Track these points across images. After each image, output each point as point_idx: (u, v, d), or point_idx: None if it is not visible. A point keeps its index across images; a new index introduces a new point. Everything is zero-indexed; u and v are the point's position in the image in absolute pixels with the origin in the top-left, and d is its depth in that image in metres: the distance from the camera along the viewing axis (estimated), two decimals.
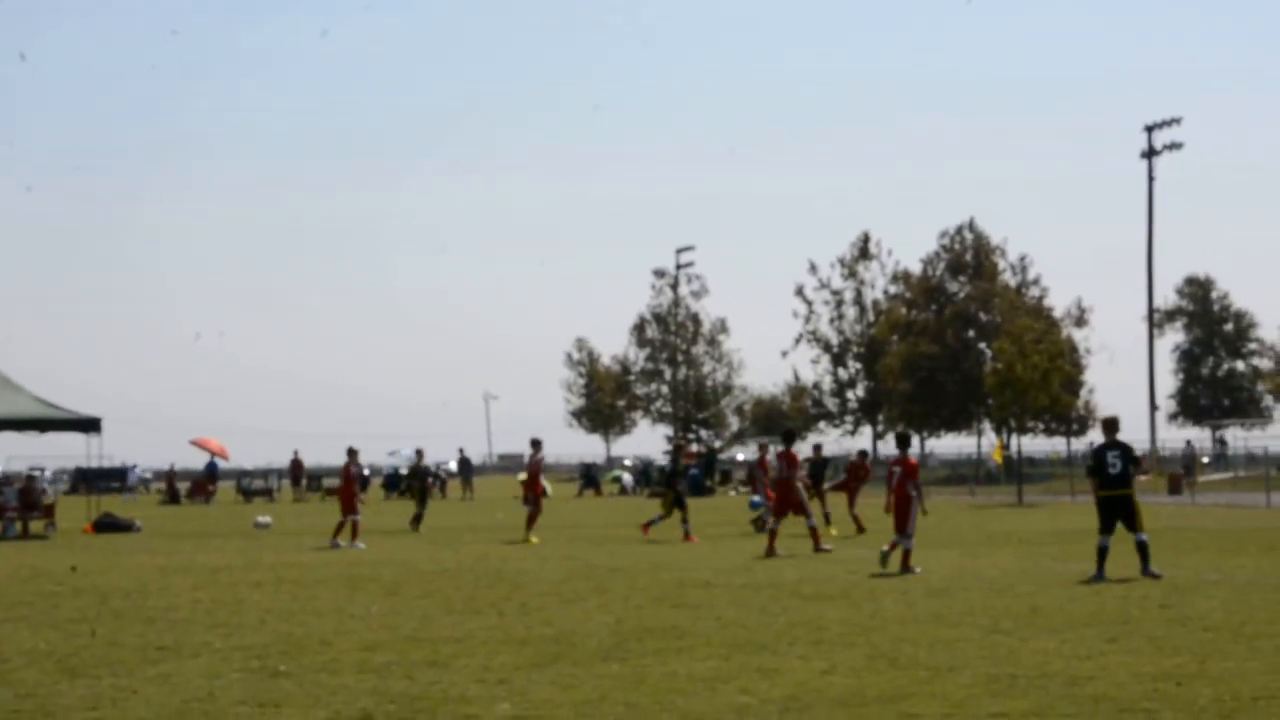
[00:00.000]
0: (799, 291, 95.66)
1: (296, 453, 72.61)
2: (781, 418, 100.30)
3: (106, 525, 37.76)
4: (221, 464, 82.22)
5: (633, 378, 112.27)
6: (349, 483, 29.81)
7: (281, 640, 13.34)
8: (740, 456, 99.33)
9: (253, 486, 73.66)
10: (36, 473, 63.01)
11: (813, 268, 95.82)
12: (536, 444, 30.16)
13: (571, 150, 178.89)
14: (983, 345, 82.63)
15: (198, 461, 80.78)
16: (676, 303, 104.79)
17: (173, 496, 70.06)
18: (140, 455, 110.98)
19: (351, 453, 30.33)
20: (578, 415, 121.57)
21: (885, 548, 20.52)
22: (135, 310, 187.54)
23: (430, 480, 71.50)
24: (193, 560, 25.21)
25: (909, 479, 20.92)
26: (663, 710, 9.52)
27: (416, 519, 34.70)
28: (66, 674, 11.37)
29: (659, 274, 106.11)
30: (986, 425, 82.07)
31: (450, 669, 11.41)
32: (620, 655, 12.09)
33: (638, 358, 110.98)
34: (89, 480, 67.28)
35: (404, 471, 75.45)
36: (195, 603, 17.17)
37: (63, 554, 27.58)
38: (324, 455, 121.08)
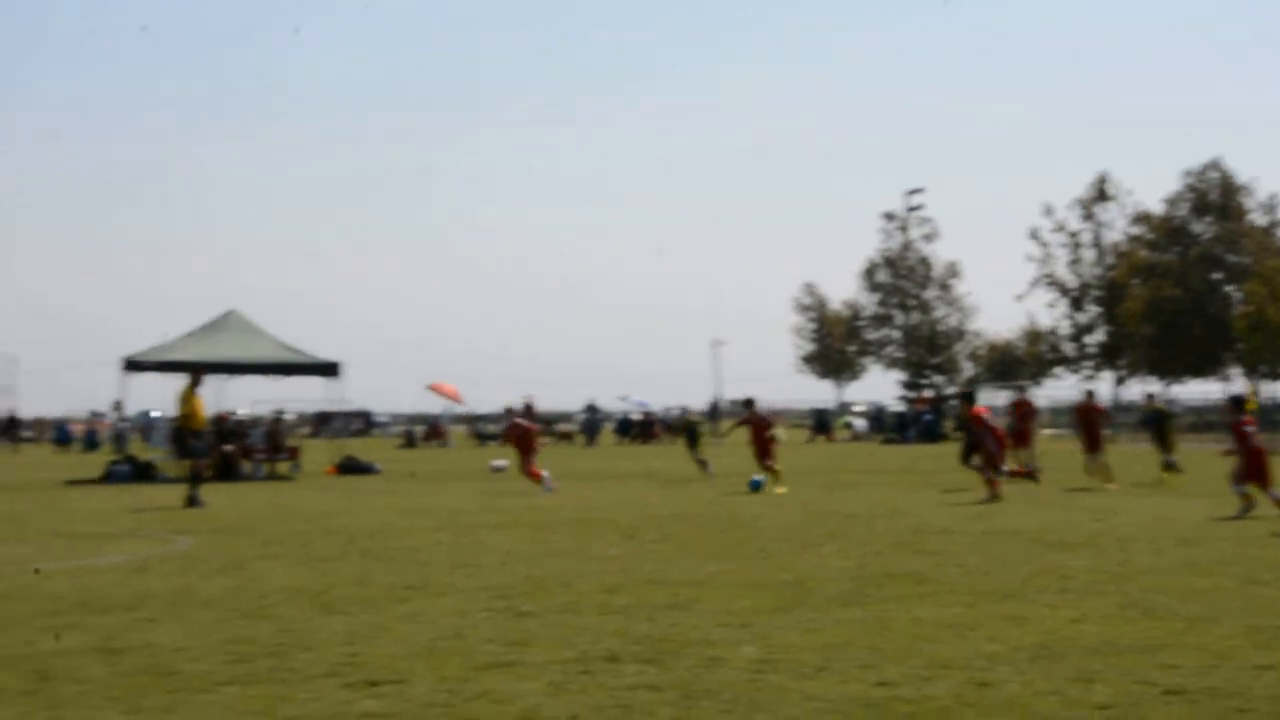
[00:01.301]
0: (1034, 234, 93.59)
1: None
2: (1016, 363, 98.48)
3: (348, 468, 38.88)
4: (457, 409, 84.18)
5: (863, 323, 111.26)
6: (527, 432, 30.21)
7: (524, 581, 13.50)
8: None
9: (487, 431, 75.18)
10: (283, 415, 65.25)
11: (1048, 210, 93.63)
12: (749, 403, 30.32)
13: (800, 91, 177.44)
14: (1230, 288, 79.80)
15: (434, 406, 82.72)
16: (907, 246, 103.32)
17: (410, 440, 71.76)
18: (376, 400, 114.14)
19: (527, 406, 31.06)
20: (808, 360, 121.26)
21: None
22: (371, 256, 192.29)
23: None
24: (432, 503, 25.77)
25: None
26: (909, 656, 9.35)
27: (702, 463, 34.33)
28: (322, 610, 11.68)
29: (889, 217, 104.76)
30: (1235, 370, 79.34)
31: (692, 612, 11.41)
32: (862, 601, 11.94)
33: (868, 303, 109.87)
34: (329, 423, 69.42)
35: (636, 418, 76.30)
36: (438, 544, 17.52)
37: (309, 495, 28.47)
38: (558, 401, 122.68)
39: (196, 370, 27.57)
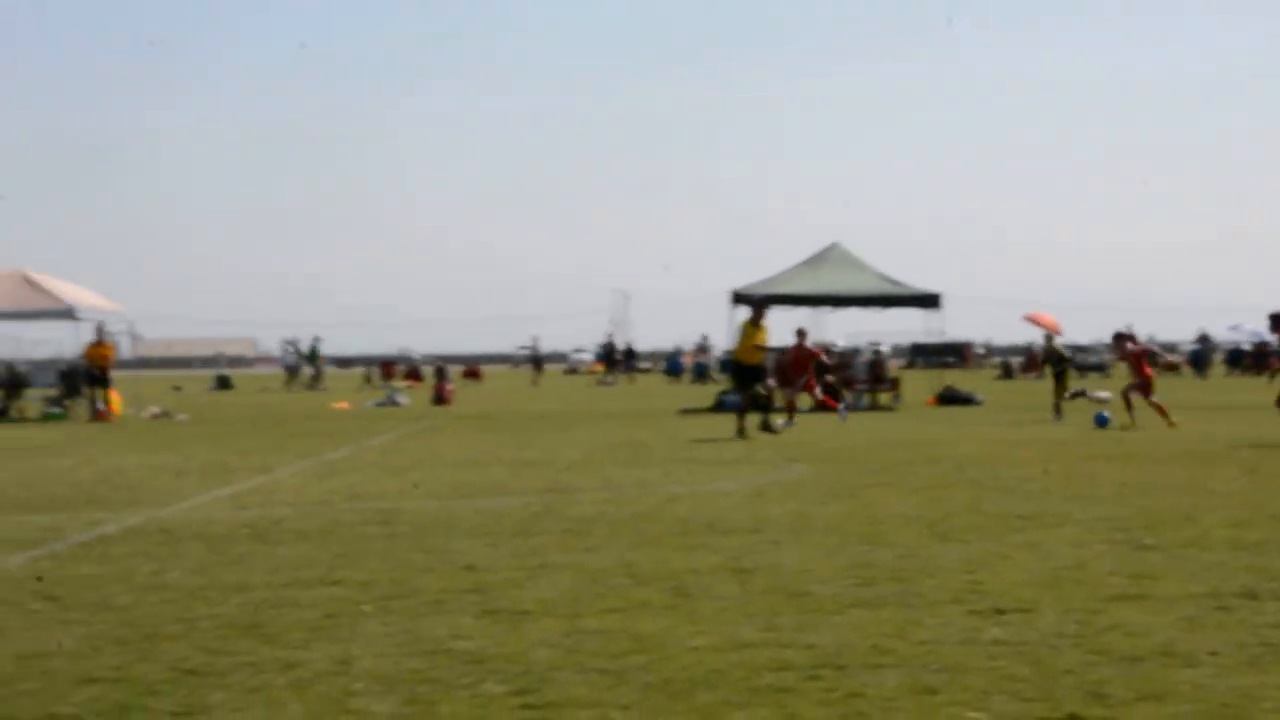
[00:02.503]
0: None
1: (1130, 327, 71.96)
2: None
3: (949, 399, 38.97)
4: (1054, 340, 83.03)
5: None
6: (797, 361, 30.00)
7: (1142, 514, 13.11)
8: None
9: (1087, 362, 73.69)
10: (880, 347, 66.24)
11: None
12: (1123, 337, 28.94)
13: None
14: None
15: (1029, 336, 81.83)
16: None
17: (1007, 371, 71.20)
18: (974, 331, 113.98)
19: (800, 333, 31.24)
20: None
21: None
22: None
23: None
24: (1035, 433, 25.43)
25: None
26: None
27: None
28: (937, 538, 11.77)
29: None
30: None
31: None
32: None
33: None
34: (926, 355, 69.67)
35: (1247, 348, 72.24)
36: (1046, 474, 17.28)
37: (911, 424, 28.73)
38: (1169, 332, 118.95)
39: (759, 305, 27.94)
